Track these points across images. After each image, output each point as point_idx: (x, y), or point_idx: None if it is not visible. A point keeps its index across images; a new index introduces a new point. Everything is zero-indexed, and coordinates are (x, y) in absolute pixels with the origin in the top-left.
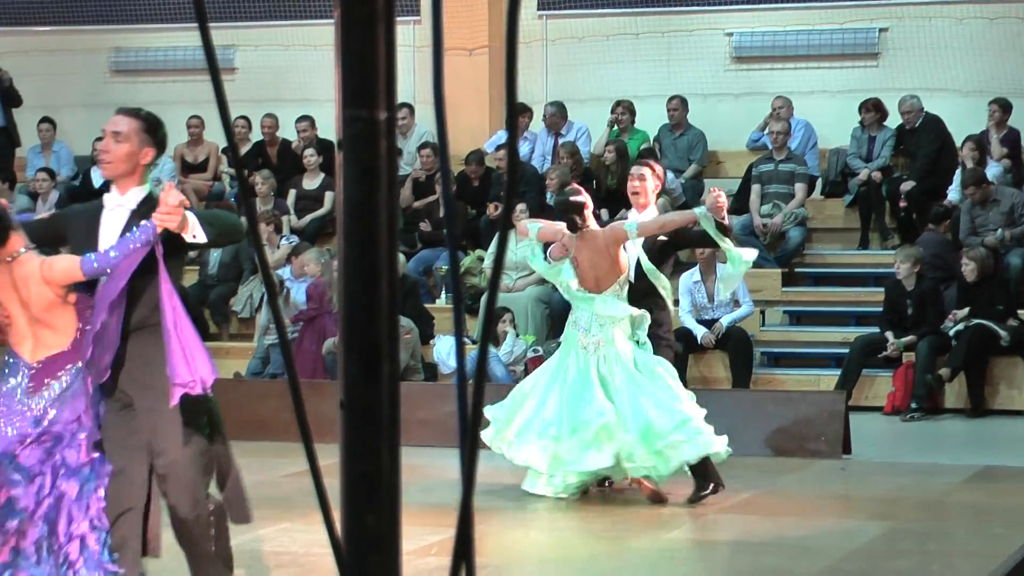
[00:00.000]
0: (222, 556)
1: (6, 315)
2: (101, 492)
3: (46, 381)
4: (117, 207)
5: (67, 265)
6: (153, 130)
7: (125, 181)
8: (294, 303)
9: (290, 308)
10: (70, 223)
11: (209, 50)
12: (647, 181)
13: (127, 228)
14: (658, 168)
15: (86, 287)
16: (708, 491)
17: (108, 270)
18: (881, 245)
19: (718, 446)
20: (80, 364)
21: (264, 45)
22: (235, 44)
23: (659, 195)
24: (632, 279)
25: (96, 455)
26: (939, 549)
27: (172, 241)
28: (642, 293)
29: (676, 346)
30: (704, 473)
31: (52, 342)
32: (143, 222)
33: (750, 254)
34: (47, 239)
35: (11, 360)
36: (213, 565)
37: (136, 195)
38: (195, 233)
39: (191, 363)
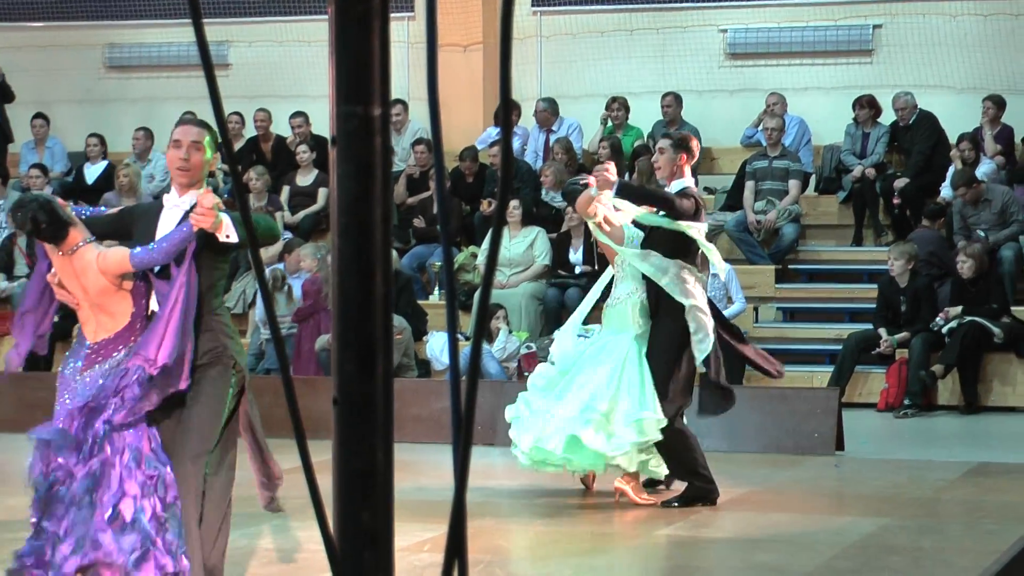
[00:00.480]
0: (217, 554)
1: (75, 301)
2: (164, 473)
3: (99, 359)
4: (174, 207)
5: (119, 258)
6: (216, 138)
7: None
8: (297, 298)
9: (293, 303)
10: (135, 220)
11: (203, 46)
12: (666, 154)
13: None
14: (693, 143)
15: (141, 275)
16: (681, 502)
17: (154, 262)
18: (875, 242)
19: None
20: (131, 345)
21: (258, 41)
22: (229, 40)
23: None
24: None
25: (150, 441)
26: (933, 546)
27: (209, 240)
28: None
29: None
30: (689, 490)
31: (110, 325)
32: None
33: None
34: (114, 234)
35: (79, 334)
36: (192, 530)
37: (192, 197)
38: (228, 234)
39: (161, 348)
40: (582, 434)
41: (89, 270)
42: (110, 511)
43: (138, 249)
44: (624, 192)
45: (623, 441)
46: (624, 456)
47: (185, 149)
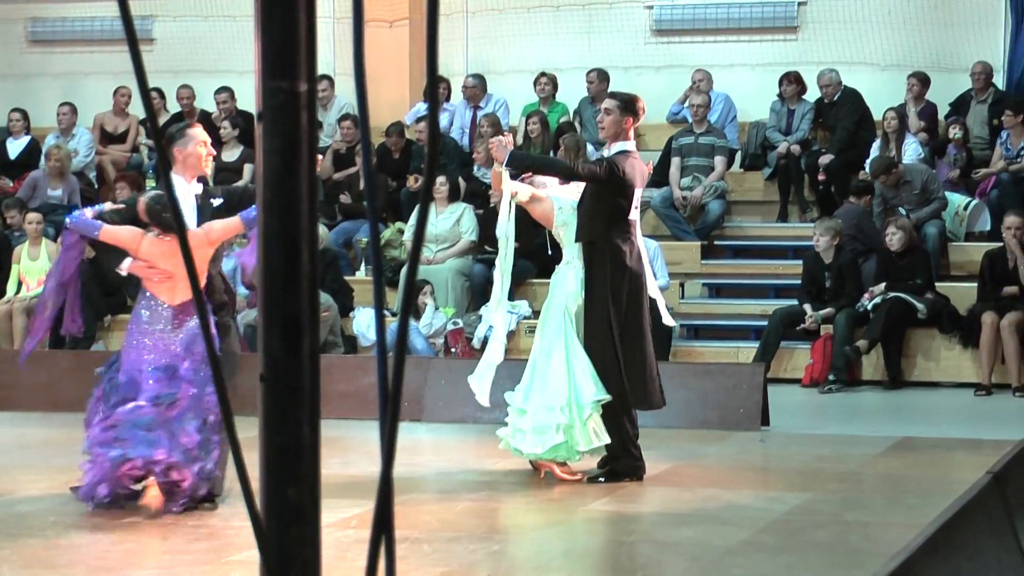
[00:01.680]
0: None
1: (169, 276)
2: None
3: (185, 319)
4: (184, 194)
5: (227, 224)
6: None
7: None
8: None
9: None
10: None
11: (127, 20)
12: (612, 115)
13: (195, 207)
14: (640, 105)
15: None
16: (603, 477)
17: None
18: (800, 218)
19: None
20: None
21: (183, 15)
22: (153, 15)
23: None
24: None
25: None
26: (857, 520)
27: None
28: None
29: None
30: (616, 465)
31: (187, 289)
32: None
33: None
34: (129, 222)
35: (151, 301)
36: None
37: (198, 184)
38: None
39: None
40: (501, 431)
41: (200, 248)
42: (192, 438)
43: (246, 211)
44: (515, 162)
45: (536, 441)
46: (546, 451)
47: (210, 147)
